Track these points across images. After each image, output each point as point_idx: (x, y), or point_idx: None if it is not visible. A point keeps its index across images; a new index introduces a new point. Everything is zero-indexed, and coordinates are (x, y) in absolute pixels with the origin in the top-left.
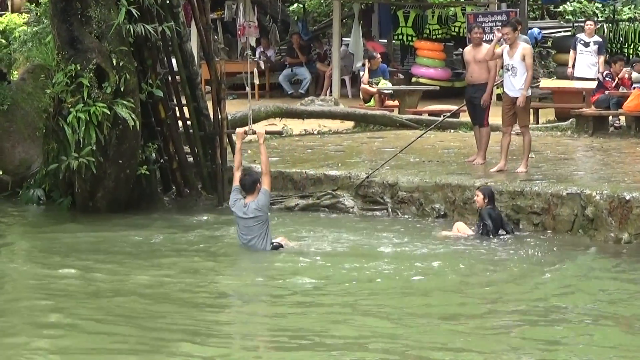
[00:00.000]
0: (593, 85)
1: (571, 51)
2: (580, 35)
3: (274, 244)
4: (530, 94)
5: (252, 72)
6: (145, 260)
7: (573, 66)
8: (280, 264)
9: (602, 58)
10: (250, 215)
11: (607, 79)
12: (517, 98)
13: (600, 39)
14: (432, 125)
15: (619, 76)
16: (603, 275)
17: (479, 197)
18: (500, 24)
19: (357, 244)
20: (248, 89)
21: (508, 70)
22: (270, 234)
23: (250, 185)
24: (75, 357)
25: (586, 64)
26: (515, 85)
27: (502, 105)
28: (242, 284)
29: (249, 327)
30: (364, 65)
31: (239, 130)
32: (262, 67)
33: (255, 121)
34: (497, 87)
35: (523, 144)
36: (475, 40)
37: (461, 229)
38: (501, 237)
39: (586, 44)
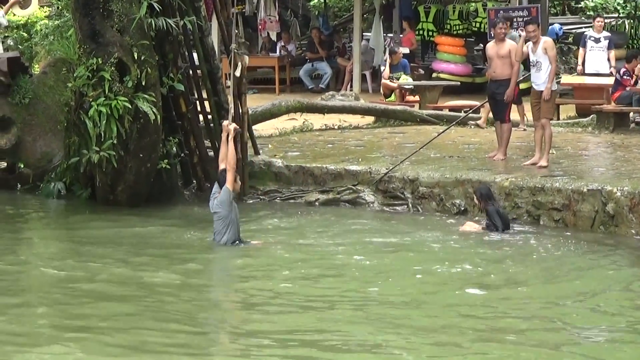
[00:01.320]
0: (609, 80)
1: (580, 49)
2: (590, 32)
3: (237, 243)
4: (556, 87)
5: (235, 66)
6: (164, 257)
7: (583, 64)
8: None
9: (612, 52)
10: (212, 210)
11: (624, 77)
12: (541, 92)
13: (610, 34)
14: (455, 122)
15: (635, 73)
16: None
17: (475, 198)
18: (521, 19)
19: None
20: (232, 83)
21: (534, 66)
22: (231, 232)
23: (220, 180)
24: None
25: (598, 59)
26: (541, 79)
27: (530, 100)
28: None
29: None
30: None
31: (225, 122)
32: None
33: (275, 116)
34: (519, 83)
35: (544, 137)
36: (499, 36)
37: (468, 227)
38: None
39: (597, 40)
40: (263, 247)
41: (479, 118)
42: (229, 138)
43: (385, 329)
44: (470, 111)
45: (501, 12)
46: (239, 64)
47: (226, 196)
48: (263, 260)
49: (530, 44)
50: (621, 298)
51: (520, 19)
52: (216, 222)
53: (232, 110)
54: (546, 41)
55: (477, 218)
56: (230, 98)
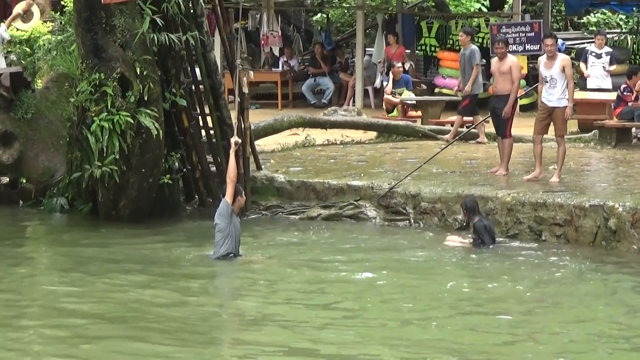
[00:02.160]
0: (611, 95)
1: (581, 64)
2: (591, 47)
3: (231, 256)
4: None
5: (241, 82)
6: (164, 274)
7: (585, 78)
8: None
9: (614, 67)
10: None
11: (625, 93)
12: (554, 108)
13: (611, 50)
14: (457, 137)
15: (636, 89)
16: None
17: (462, 213)
18: (523, 35)
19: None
20: (236, 98)
21: (547, 82)
22: (228, 245)
23: (223, 192)
24: None
25: (600, 75)
26: (554, 96)
27: (537, 114)
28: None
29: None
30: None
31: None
32: (252, 77)
33: (278, 131)
34: (521, 99)
35: (557, 154)
36: (497, 55)
37: (454, 241)
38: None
39: (598, 56)
40: (262, 263)
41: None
42: (231, 151)
43: (378, 345)
44: (473, 126)
45: (503, 27)
46: (245, 79)
47: (224, 208)
48: (263, 276)
49: (543, 58)
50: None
51: (523, 35)
52: (215, 234)
53: (237, 126)
54: (565, 59)
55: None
56: (235, 113)
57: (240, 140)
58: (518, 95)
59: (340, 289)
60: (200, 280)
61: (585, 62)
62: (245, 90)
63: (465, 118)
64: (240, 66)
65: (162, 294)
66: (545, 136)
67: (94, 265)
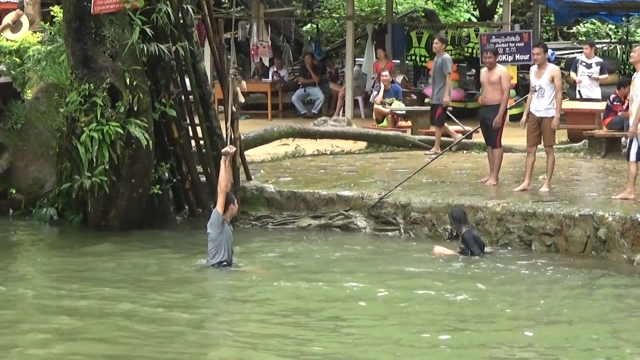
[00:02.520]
0: (601, 105)
1: (572, 73)
2: (581, 57)
3: (225, 265)
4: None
5: (235, 92)
6: (152, 285)
7: (575, 87)
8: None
9: (604, 76)
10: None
11: (615, 102)
12: (542, 118)
13: (601, 60)
14: (447, 148)
15: (627, 98)
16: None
17: (450, 223)
18: (513, 45)
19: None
20: (231, 108)
21: (535, 91)
22: (220, 255)
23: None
24: None
25: (589, 84)
26: (542, 105)
27: (527, 125)
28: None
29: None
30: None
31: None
32: (245, 86)
33: (268, 141)
34: (511, 109)
35: (547, 163)
36: (486, 64)
37: (441, 251)
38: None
39: (588, 66)
40: (254, 272)
41: (471, 143)
42: (222, 161)
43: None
44: (464, 137)
45: (493, 37)
46: (238, 89)
47: (215, 218)
48: (254, 287)
49: (533, 68)
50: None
51: (513, 45)
52: (208, 243)
53: (230, 135)
54: (554, 69)
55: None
56: (228, 123)
57: (230, 150)
58: (508, 106)
59: (332, 300)
60: (190, 292)
61: (576, 71)
62: (242, 99)
63: (456, 128)
64: (234, 76)
65: (151, 306)
66: None
67: (83, 276)
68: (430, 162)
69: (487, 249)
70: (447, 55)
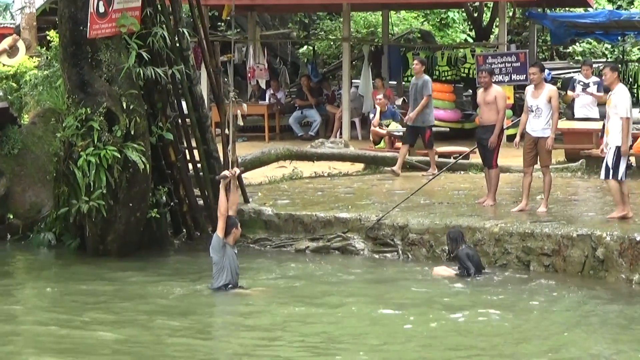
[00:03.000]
0: (598, 125)
1: (569, 92)
2: (579, 77)
3: (230, 287)
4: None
5: (235, 115)
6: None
7: (572, 105)
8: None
9: (599, 94)
10: None
11: None
12: (539, 138)
13: (599, 79)
14: (444, 168)
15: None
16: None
17: (447, 243)
18: (509, 65)
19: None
20: (231, 131)
21: (532, 111)
22: (223, 278)
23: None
24: None
25: (587, 104)
26: (539, 125)
27: (524, 146)
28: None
29: None
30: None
31: (226, 173)
32: (245, 109)
33: (265, 163)
34: (508, 129)
35: (544, 184)
36: (481, 84)
37: (441, 272)
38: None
39: (586, 85)
40: (258, 295)
41: (468, 164)
42: (220, 186)
43: None
44: (460, 157)
45: (489, 57)
46: (239, 111)
47: (216, 242)
48: (251, 311)
49: (530, 87)
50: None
51: (509, 65)
52: (212, 266)
53: (231, 158)
54: (552, 90)
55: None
56: (231, 145)
57: (227, 174)
58: (505, 126)
59: (335, 323)
60: (191, 316)
61: (573, 91)
62: (241, 122)
63: (453, 149)
64: (234, 99)
65: (151, 331)
66: None
67: (81, 302)
68: (427, 183)
69: (486, 270)
70: (427, 77)
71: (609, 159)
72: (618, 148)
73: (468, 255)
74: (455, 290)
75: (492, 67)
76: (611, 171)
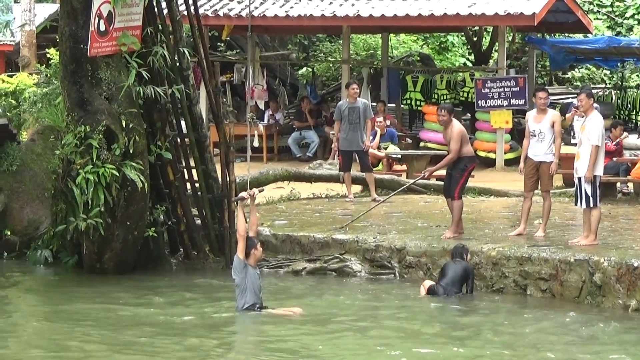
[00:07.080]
0: None
1: (567, 116)
2: (576, 102)
3: (257, 308)
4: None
5: (252, 135)
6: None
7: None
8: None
9: None
10: None
11: (605, 142)
12: (541, 163)
13: (597, 105)
14: (396, 192)
15: (619, 138)
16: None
17: None
18: (508, 89)
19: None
20: (248, 152)
21: (534, 135)
22: (246, 298)
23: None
24: None
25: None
26: (541, 150)
27: (525, 170)
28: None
29: None
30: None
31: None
32: (262, 130)
33: (263, 184)
34: (506, 154)
35: (543, 208)
36: (439, 123)
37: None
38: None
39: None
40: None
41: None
42: (238, 207)
43: None
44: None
45: (488, 81)
46: (256, 133)
47: (237, 264)
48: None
49: (532, 112)
50: None
51: (508, 89)
52: (235, 288)
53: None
54: (555, 114)
55: None
56: (253, 167)
57: (245, 195)
58: (505, 150)
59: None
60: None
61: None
62: (256, 143)
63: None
64: (251, 119)
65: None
66: None
67: (77, 321)
68: (377, 205)
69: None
70: (365, 100)
71: (588, 188)
72: (595, 177)
73: (442, 268)
74: (453, 313)
75: (492, 91)
76: (591, 199)
